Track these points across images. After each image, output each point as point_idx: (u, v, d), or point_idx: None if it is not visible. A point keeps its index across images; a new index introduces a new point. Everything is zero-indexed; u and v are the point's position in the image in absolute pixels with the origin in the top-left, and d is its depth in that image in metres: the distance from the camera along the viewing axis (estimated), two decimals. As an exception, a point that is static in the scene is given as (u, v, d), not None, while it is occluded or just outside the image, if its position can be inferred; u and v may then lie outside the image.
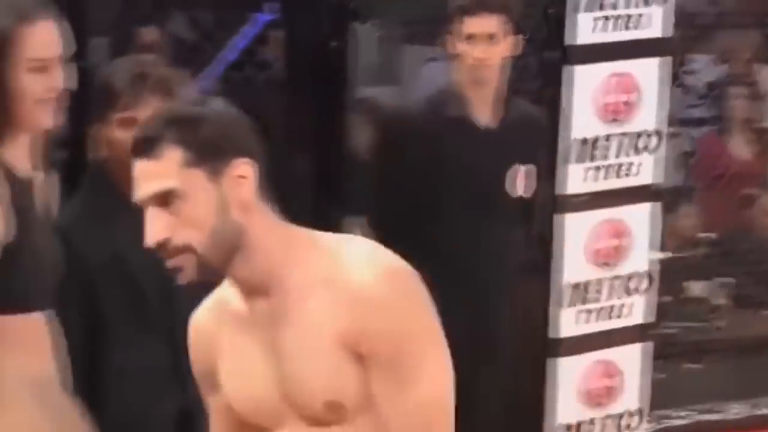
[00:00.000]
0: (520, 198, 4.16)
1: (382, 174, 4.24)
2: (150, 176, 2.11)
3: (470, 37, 4.04)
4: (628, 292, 4.66)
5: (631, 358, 4.73)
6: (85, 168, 3.32)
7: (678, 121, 5.29)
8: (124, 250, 3.21)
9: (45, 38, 2.77)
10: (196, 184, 2.10)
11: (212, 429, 2.31)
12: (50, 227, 2.89)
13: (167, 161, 2.10)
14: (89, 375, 2.95)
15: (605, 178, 4.51)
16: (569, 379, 4.56)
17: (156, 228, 2.10)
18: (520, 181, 4.18)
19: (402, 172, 4.12)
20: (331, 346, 2.11)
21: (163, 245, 2.10)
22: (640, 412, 4.78)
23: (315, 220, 4.03)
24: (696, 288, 5.78)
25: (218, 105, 2.22)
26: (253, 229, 2.12)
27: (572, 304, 4.47)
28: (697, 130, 6.12)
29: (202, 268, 2.11)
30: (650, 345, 4.76)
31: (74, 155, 3.16)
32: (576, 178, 4.42)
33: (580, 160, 4.41)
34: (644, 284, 4.71)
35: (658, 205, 4.72)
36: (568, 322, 4.49)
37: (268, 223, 2.15)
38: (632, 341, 4.71)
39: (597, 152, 4.47)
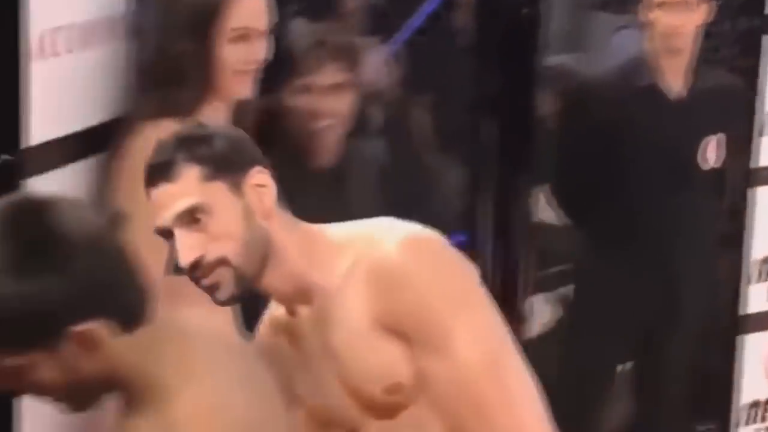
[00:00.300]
0: (712, 170, 4.08)
1: (569, 142, 4.21)
2: (171, 198, 2.07)
3: (663, 5, 3.98)
4: None
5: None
6: (271, 136, 3.37)
7: None
8: (312, 216, 3.26)
9: (252, 9, 2.81)
10: (218, 196, 2.09)
11: None
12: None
13: (186, 179, 2.08)
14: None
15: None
16: (758, 356, 4.48)
17: (188, 248, 2.06)
18: (711, 152, 4.10)
19: (590, 141, 4.09)
20: (372, 332, 2.09)
21: (197, 264, 2.07)
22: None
23: (501, 189, 4.09)
24: None
25: (222, 125, 2.25)
26: (276, 235, 2.12)
27: (763, 279, 4.38)
28: None
29: (239, 282, 2.09)
30: None
31: (264, 123, 3.20)
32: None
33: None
34: None
35: None
36: (759, 298, 4.41)
37: (289, 228, 2.16)
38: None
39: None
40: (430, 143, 4.77)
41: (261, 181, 2.14)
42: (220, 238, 2.08)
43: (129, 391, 1.86)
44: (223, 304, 2.12)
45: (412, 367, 2.09)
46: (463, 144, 4.47)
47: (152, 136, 2.69)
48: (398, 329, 2.08)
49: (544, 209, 4.46)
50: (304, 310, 2.17)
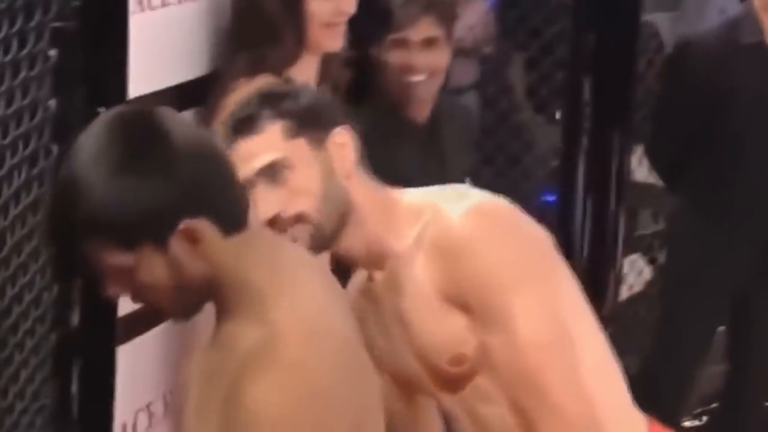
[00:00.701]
0: None
1: (667, 102, 4.17)
2: (254, 152, 2.10)
3: None
4: None
5: None
6: (366, 90, 3.39)
7: None
8: (404, 170, 3.28)
9: None
10: (300, 152, 2.11)
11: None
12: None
13: (269, 134, 2.10)
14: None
15: None
16: None
17: (268, 202, 2.09)
18: None
19: (690, 100, 4.05)
20: (438, 302, 2.10)
21: (276, 219, 2.09)
22: None
23: (596, 148, 4.07)
24: None
25: (304, 85, 2.27)
26: (356, 197, 2.14)
27: None
28: None
29: (316, 239, 2.12)
30: None
31: (357, 77, 3.23)
32: None
33: None
34: None
35: None
36: None
37: (368, 190, 2.18)
38: None
39: None
40: (525, 100, 4.77)
41: (343, 140, 2.16)
42: (300, 194, 2.11)
43: (227, 296, 1.91)
44: None
45: (475, 339, 2.09)
46: (558, 102, 4.46)
47: (246, 92, 2.75)
48: (461, 301, 2.09)
49: (638, 169, 4.45)
50: (378, 275, 2.20)
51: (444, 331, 2.11)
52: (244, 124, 2.12)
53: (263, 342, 1.83)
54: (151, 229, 1.83)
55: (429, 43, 3.26)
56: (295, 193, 2.11)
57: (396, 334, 2.18)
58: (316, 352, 1.84)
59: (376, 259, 2.18)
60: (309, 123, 2.13)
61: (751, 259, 4.03)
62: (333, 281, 2.04)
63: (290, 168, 2.11)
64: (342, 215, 2.14)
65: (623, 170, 4.05)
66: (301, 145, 2.12)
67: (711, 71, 3.98)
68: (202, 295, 1.92)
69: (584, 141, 4.02)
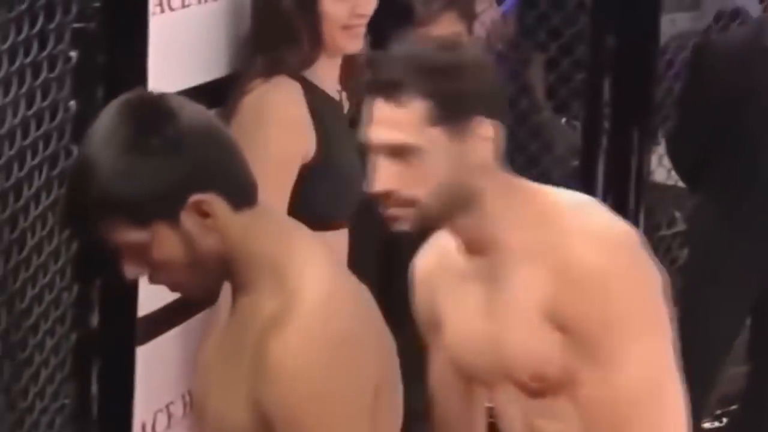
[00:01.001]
0: None
1: (688, 102, 4.17)
2: (389, 124, 2.01)
3: None
4: None
5: None
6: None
7: None
8: None
9: None
10: (436, 142, 2.02)
11: (432, 365, 2.30)
12: (354, 144, 2.99)
13: (411, 113, 2.00)
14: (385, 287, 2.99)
15: None
16: None
17: (385, 177, 2.03)
18: None
19: (711, 101, 4.04)
20: (537, 316, 2.05)
21: (388, 194, 2.03)
22: None
23: (616, 148, 4.07)
24: None
25: (473, 54, 2.12)
26: (488, 191, 2.06)
27: None
28: None
29: (420, 221, 2.06)
30: None
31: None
32: None
33: None
34: None
35: None
36: None
37: (504, 186, 2.09)
38: None
39: None
40: (546, 100, 4.77)
41: (486, 132, 2.05)
42: (420, 182, 2.03)
43: (242, 271, 1.96)
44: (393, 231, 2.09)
45: (563, 363, 2.05)
46: (579, 101, 4.46)
47: (264, 93, 2.76)
48: (569, 326, 2.03)
49: (658, 170, 4.45)
50: (480, 259, 2.12)
51: (534, 346, 2.07)
52: (388, 88, 2.02)
53: (282, 307, 1.89)
54: (161, 204, 1.89)
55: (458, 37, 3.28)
56: (418, 178, 2.03)
57: (481, 321, 2.13)
58: (334, 310, 1.90)
59: (484, 247, 2.11)
60: (454, 111, 2.02)
61: None
62: (334, 253, 2.10)
63: (419, 156, 2.02)
64: (457, 207, 2.06)
65: (642, 171, 4.05)
66: (439, 134, 2.03)
67: (732, 72, 3.98)
68: (218, 273, 1.96)
69: (604, 141, 4.02)
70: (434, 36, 2.20)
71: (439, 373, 2.30)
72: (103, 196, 1.88)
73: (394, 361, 2.00)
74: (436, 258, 2.20)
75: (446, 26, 3.28)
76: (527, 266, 2.06)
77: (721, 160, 4.04)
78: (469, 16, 3.36)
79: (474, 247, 2.11)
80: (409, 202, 2.03)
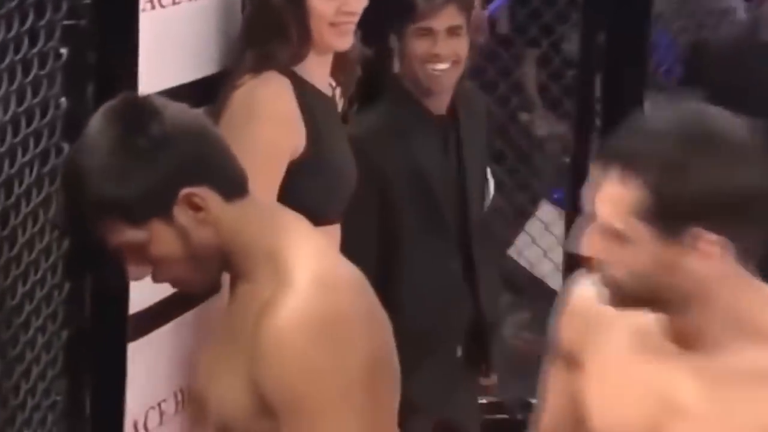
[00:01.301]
0: None
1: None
2: (609, 198, 1.79)
3: None
4: None
5: None
6: (376, 83, 3.41)
7: None
8: (422, 161, 3.31)
9: None
10: (644, 238, 1.79)
11: (548, 396, 2.11)
12: (345, 141, 2.99)
13: (626, 197, 1.77)
14: (381, 281, 2.96)
15: None
16: None
17: (594, 245, 1.83)
18: None
19: (708, 96, 4.04)
20: None
21: (592, 261, 1.85)
22: None
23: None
24: None
25: (710, 151, 1.79)
26: (713, 298, 1.83)
27: None
28: None
29: (621, 304, 1.87)
30: None
31: (367, 72, 3.26)
32: None
33: None
34: None
35: None
36: None
37: (737, 291, 1.85)
38: None
39: None
40: (537, 97, 4.78)
41: (709, 250, 1.79)
42: (626, 268, 1.82)
43: (239, 261, 2.01)
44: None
45: None
46: (569, 100, 4.47)
47: (253, 87, 2.77)
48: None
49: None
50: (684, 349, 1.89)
51: None
52: (624, 158, 1.78)
53: (278, 289, 1.93)
54: (154, 202, 1.94)
55: (452, 31, 3.32)
56: (622, 263, 1.82)
57: (647, 400, 1.93)
58: (326, 291, 1.94)
59: (699, 345, 1.87)
60: (672, 216, 1.78)
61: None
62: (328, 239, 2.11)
63: (627, 243, 1.80)
64: (669, 301, 1.84)
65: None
66: (650, 232, 1.79)
67: (727, 69, 3.99)
68: (216, 265, 2.01)
69: (595, 138, 4.02)
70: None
71: (557, 407, 2.09)
72: (97, 199, 1.94)
73: (390, 345, 2.03)
74: (601, 300, 1.92)
75: (447, 19, 3.30)
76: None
77: None
78: (468, 8, 3.39)
79: (685, 339, 1.88)
80: (611, 282, 1.84)
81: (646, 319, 1.89)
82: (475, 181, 3.45)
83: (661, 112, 1.86)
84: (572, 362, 2.00)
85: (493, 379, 3.64)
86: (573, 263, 2.08)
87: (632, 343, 1.91)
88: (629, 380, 1.91)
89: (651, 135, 1.79)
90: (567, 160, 4.25)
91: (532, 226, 4.65)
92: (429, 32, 3.29)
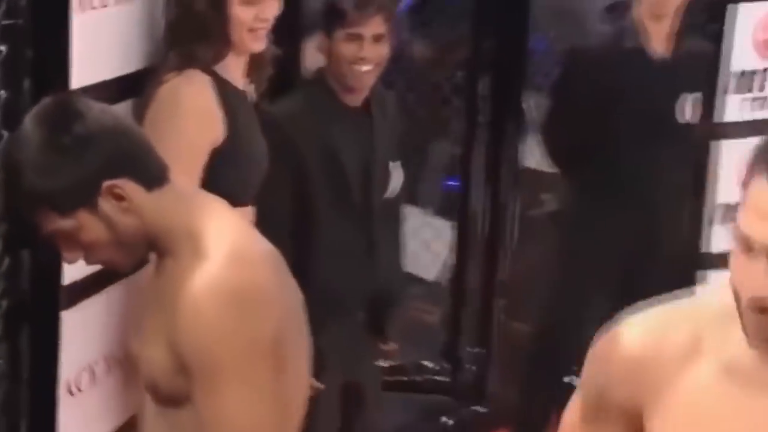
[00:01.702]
0: (687, 124, 4.14)
1: (560, 98, 4.25)
2: None
3: None
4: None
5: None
6: (286, 79, 3.47)
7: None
8: (336, 145, 3.38)
9: None
10: None
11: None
12: (259, 132, 3.03)
13: None
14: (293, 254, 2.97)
15: (761, 108, 4.45)
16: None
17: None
18: (688, 108, 4.15)
19: (580, 97, 4.10)
20: None
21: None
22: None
23: (493, 138, 4.14)
24: None
25: None
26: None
27: (722, 222, 4.44)
28: None
29: None
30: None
31: (284, 69, 3.32)
32: (733, 108, 4.37)
33: (738, 91, 4.36)
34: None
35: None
36: (718, 239, 4.46)
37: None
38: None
39: (754, 84, 4.40)
40: (431, 96, 4.85)
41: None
42: None
43: (162, 242, 2.05)
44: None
45: None
46: (461, 97, 4.54)
47: (177, 84, 2.81)
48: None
49: (532, 157, 4.53)
50: None
51: None
52: None
53: (196, 262, 1.98)
54: (79, 194, 1.98)
55: (377, 38, 3.39)
56: None
57: None
58: (238, 262, 1.98)
59: None
60: None
61: (635, 240, 4.13)
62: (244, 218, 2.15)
63: None
64: None
65: (516, 158, 4.14)
66: None
67: (599, 73, 4.07)
68: (141, 246, 2.05)
69: (482, 132, 4.10)
70: None
71: None
72: (29, 192, 1.98)
73: (299, 315, 2.07)
74: (667, 344, 1.66)
75: (374, 27, 3.38)
76: None
77: (589, 150, 4.12)
78: (391, 19, 3.48)
79: None
80: None
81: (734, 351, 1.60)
82: (381, 170, 3.51)
83: None
84: (619, 415, 1.70)
85: (392, 345, 3.69)
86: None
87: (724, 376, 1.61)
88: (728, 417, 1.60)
89: None
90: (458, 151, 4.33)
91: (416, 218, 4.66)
92: (357, 37, 3.37)
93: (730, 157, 4.37)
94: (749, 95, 4.38)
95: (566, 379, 4.20)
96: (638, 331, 1.67)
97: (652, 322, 1.67)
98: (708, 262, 4.45)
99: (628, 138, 4.05)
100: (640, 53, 4.09)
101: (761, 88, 4.38)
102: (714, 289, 1.62)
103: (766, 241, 1.47)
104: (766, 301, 1.48)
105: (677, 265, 4.24)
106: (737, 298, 1.52)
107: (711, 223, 4.39)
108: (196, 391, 1.95)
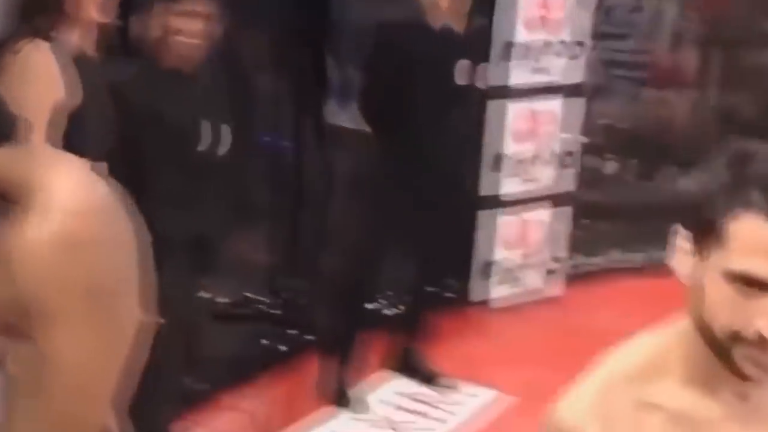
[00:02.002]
0: (466, 85, 4.41)
1: (371, 67, 4.46)
2: None
3: None
4: (554, 167, 5.12)
5: (556, 218, 5.22)
6: (133, 48, 3.66)
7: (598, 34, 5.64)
8: (167, 110, 3.59)
9: None
10: None
11: None
12: (106, 96, 3.22)
13: None
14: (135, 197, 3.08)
15: (532, 74, 4.94)
16: (489, 227, 4.99)
17: None
18: (469, 73, 4.41)
19: (386, 63, 4.35)
20: None
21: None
22: (559, 258, 5.30)
23: (305, 100, 4.41)
24: (609, 166, 6.25)
25: None
26: None
27: (495, 170, 4.95)
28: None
29: None
30: (570, 208, 5.27)
31: (125, 38, 3.56)
32: (507, 73, 4.83)
33: (509, 59, 4.83)
34: (566, 161, 5.16)
35: (582, 99, 5.14)
36: (492, 184, 4.95)
37: None
38: (557, 205, 5.20)
39: (527, 54, 4.89)
40: (255, 64, 5.08)
41: None
42: None
43: (16, 196, 2.02)
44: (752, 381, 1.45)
45: None
46: (282, 65, 4.79)
47: (26, 52, 3.03)
48: None
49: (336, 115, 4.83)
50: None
51: None
52: None
53: (35, 212, 2.07)
54: None
55: (206, 16, 3.60)
56: None
57: None
58: (80, 209, 2.02)
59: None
60: None
61: (427, 188, 4.35)
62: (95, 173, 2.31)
63: None
64: None
65: (321, 117, 4.44)
66: None
67: (400, 46, 4.34)
68: None
69: (297, 95, 4.38)
70: None
71: None
72: None
73: (140, 261, 2.16)
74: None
75: (203, 6, 3.57)
76: None
77: (393, 109, 4.32)
78: None
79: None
80: None
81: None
82: (211, 131, 3.69)
83: None
84: None
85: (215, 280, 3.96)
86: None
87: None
88: None
89: None
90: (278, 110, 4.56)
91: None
92: (190, 14, 3.57)
93: (502, 115, 4.86)
94: (523, 62, 4.86)
95: (369, 306, 4.61)
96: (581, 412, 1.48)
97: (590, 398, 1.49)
98: (485, 203, 4.94)
99: (424, 101, 4.29)
100: (429, 27, 4.35)
101: (533, 58, 4.89)
102: (618, 356, 1.49)
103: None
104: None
105: (460, 206, 4.66)
106: (720, 333, 1.41)
107: (486, 170, 4.87)
108: (34, 331, 2.09)
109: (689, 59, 6.39)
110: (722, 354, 1.42)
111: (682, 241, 1.43)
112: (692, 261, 1.43)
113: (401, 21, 4.42)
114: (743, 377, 1.42)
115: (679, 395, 1.47)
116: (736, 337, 1.40)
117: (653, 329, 1.49)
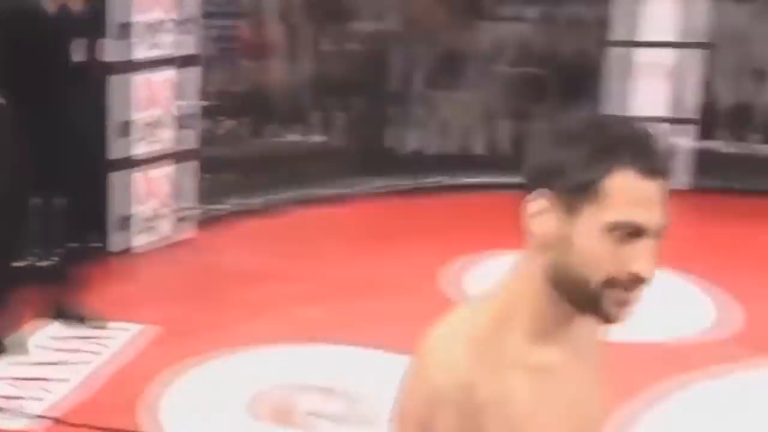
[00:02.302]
0: (86, 61, 4.75)
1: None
2: (663, 203, 1.48)
3: None
4: (176, 129, 5.51)
5: (182, 172, 5.59)
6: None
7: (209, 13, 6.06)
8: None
9: None
10: None
11: None
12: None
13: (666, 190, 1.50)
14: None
15: (150, 49, 5.28)
16: (121, 185, 5.26)
17: (654, 263, 1.48)
18: (83, 51, 4.75)
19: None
20: None
21: (646, 279, 1.47)
22: (188, 207, 5.67)
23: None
24: (226, 125, 6.74)
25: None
26: None
27: (122, 135, 5.26)
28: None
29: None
30: (195, 163, 5.65)
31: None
32: (128, 50, 5.16)
33: (129, 36, 5.16)
34: (187, 122, 5.56)
35: (197, 69, 5.53)
36: (120, 148, 5.24)
37: None
38: (182, 161, 5.58)
39: (147, 31, 5.23)
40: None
41: None
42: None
43: None
44: (612, 322, 1.50)
45: None
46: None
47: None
48: None
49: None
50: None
51: None
52: (666, 166, 1.50)
53: None
54: None
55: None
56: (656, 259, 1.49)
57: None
58: None
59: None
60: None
61: (61, 154, 4.51)
62: None
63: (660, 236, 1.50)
64: None
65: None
66: None
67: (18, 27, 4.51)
68: None
69: None
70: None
71: None
72: None
73: None
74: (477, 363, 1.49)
75: None
76: None
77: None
78: None
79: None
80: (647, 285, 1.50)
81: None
82: None
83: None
84: None
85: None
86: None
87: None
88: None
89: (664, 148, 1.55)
90: None
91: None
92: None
93: (127, 86, 5.16)
94: (142, 39, 5.19)
95: (21, 263, 4.74)
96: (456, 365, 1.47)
97: (469, 349, 1.48)
98: (117, 165, 5.27)
99: (46, 76, 4.36)
100: (44, 10, 4.59)
101: (150, 35, 5.22)
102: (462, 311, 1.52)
103: (653, 225, 1.46)
104: (647, 276, 1.46)
105: (96, 169, 4.97)
106: (594, 281, 1.46)
107: (115, 136, 5.19)
108: None
109: (276, 33, 6.99)
110: (589, 301, 1.46)
111: (542, 203, 1.46)
112: (556, 221, 1.46)
113: (14, 6, 4.51)
114: (607, 320, 1.48)
115: (527, 348, 1.50)
116: (610, 283, 1.45)
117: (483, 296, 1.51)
